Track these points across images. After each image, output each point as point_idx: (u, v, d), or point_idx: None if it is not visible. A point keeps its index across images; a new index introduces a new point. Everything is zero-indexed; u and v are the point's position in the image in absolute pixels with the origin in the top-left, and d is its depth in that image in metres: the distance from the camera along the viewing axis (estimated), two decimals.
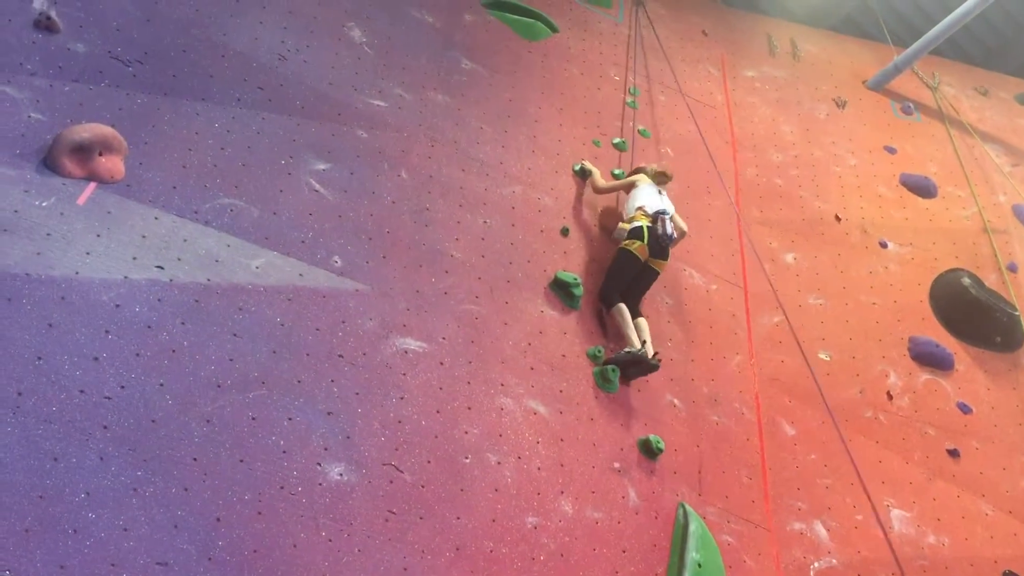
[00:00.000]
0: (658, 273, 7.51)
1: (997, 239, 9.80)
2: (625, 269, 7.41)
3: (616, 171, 8.50)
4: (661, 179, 7.97)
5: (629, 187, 7.93)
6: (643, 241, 7.35)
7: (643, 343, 7.07)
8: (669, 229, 7.40)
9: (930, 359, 8.58)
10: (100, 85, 6.25)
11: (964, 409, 8.35)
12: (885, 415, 8.07)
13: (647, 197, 7.67)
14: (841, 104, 10.83)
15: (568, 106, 8.91)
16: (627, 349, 7.04)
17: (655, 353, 7.13)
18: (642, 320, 7.30)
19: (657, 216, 7.47)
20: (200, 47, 6.94)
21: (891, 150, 10.46)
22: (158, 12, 6.88)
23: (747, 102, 10.39)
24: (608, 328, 7.36)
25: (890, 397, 8.19)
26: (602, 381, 6.97)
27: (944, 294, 9.06)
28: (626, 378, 7.03)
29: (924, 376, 8.48)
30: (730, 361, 7.86)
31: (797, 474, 7.37)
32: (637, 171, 8.12)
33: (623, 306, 7.26)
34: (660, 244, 7.39)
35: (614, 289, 7.38)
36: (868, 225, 9.50)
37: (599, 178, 8.18)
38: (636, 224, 7.47)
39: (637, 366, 6.97)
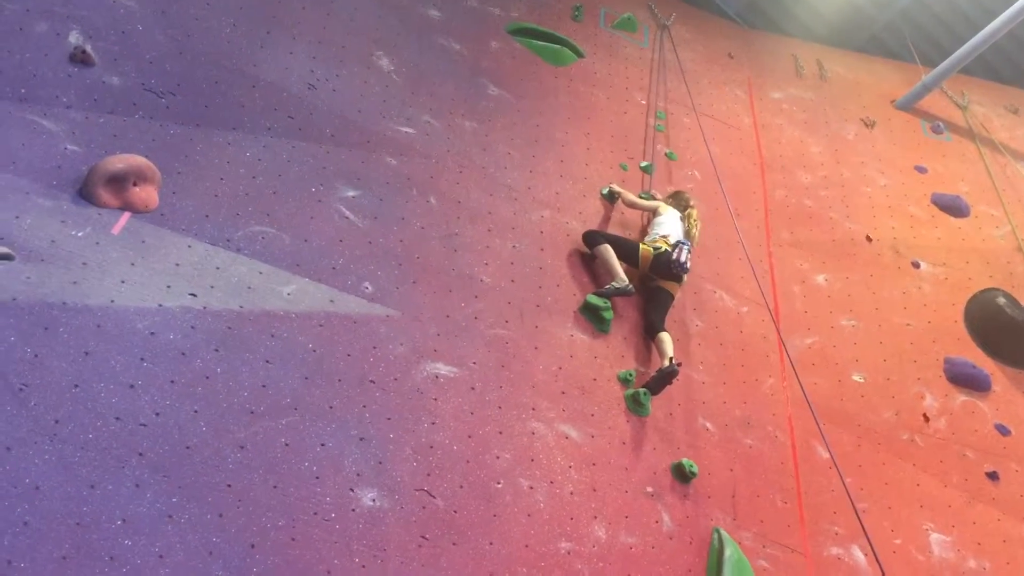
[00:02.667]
0: (672, 296, 7.59)
1: None
2: (623, 245, 7.66)
3: (643, 194, 8.51)
4: (684, 203, 8.19)
5: (655, 211, 8.02)
6: (651, 251, 7.57)
7: (670, 359, 7.06)
8: (684, 257, 7.49)
9: (966, 380, 8.45)
10: (134, 117, 6.35)
11: (1003, 431, 8.21)
12: (922, 437, 7.95)
13: (671, 227, 7.80)
14: (870, 124, 10.77)
15: (595, 130, 8.94)
16: (613, 284, 7.29)
17: (672, 358, 7.08)
18: (665, 335, 7.30)
19: (678, 244, 7.56)
20: (231, 78, 7.04)
21: (922, 169, 10.37)
22: (190, 45, 6.99)
23: (774, 123, 10.37)
24: (597, 268, 7.61)
25: (926, 419, 8.08)
26: (634, 405, 6.93)
27: (979, 314, 8.94)
28: (652, 391, 7.00)
29: (961, 397, 8.35)
30: (762, 384, 7.79)
31: (833, 498, 7.27)
32: (678, 195, 8.33)
33: (608, 246, 7.48)
34: (669, 269, 7.50)
35: (600, 235, 7.65)
36: (900, 245, 9.41)
37: (629, 194, 8.26)
38: (657, 245, 7.61)
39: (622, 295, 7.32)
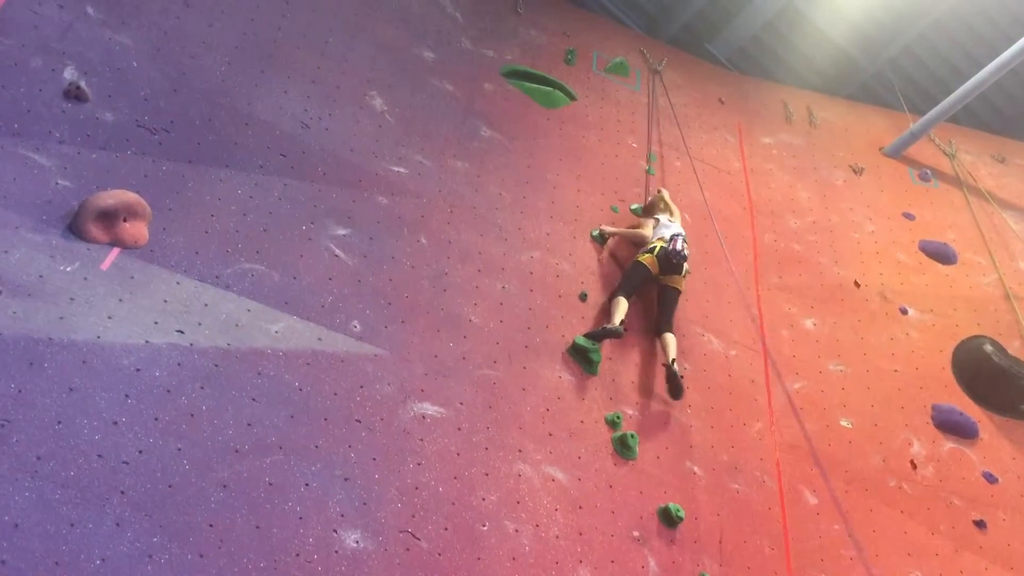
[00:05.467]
0: (678, 291, 7.99)
1: (1019, 306, 9.72)
2: (633, 275, 7.95)
3: (633, 206, 8.94)
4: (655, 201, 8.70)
5: (642, 233, 8.40)
6: (653, 255, 7.90)
7: (672, 361, 7.46)
8: (680, 246, 7.88)
9: (954, 427, 8.45)
10: (127, 153, 6.38)
11: (990, 479, 8.20)
12: (909, 484, 7.93)
13: (664, 229, 8.21)
14: (858, 171, 10.87)
15: (586, 172, 9.00)
16: (605, 325, 7.44)
17: (674, 360, 7.47)
18: (670, 336, 7.68)
19: (673, 237, 7.96)
20: (225, 116, 7.08)
21: (909, 216, 10.45)
22: (185, 82, 7.04)
23: (764, 168, 10.45)
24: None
25: (914, 466, 8.06)
26: (621, 447, 6.91)
27: (966, 361, 8.96)
28: (674, 395, 7.41)
29: (948, 444, 8.35)
30: (750, 428, 7.78)
31: (820, 545, 7.23)
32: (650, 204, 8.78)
33: (623, 299, 7.69)
34: (671, 260, 7.84)
35: (621, 289, 7.84)
36: (888, 291, 9.45)
37: (624, 229, 8.49)
38: (652, 245, 8.04)
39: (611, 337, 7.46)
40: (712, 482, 7.20)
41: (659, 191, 8.85)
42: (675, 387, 7.39)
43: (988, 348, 9.01)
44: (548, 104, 9.53)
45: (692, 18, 11.78)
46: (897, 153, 11.29)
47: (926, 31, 11.93)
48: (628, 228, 8.55)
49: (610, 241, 8.40)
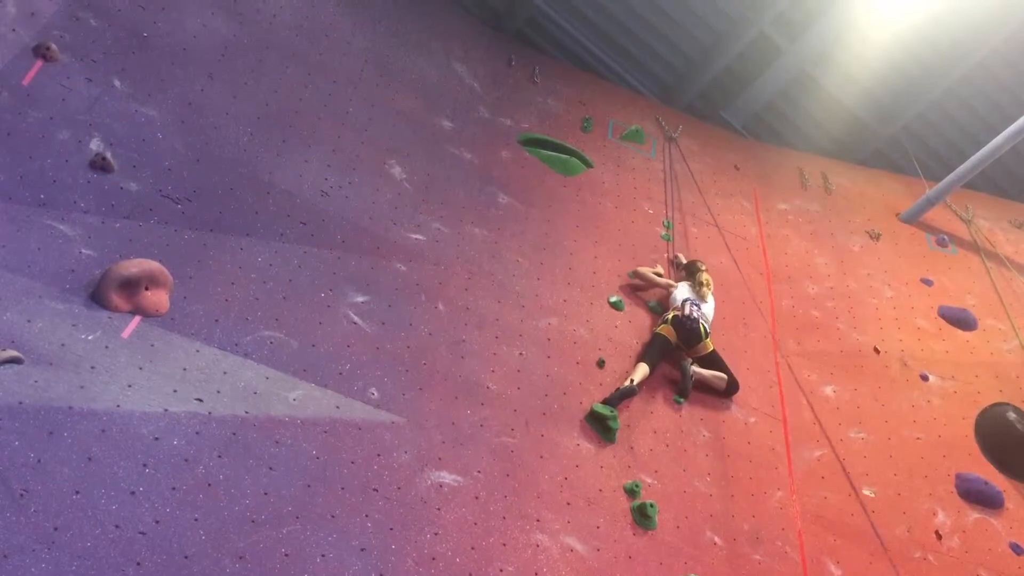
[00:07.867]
0: (713, 351, 8.20)
1: None
2: (654, 344, 8.06)
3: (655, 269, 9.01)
4: (694, 271, 8.78)
5: (669, 287, 8.62)
6: (668, 323, 8.14)
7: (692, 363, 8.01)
8: (688, 310, 8.16)
9: (979, 497, 8.30)
10: (150, 222, 6.47)
11: (1017, 550, 8.02)
12: (935, 556, 7.77)
13: (681, 296, 8.39)
14: (875, 236, 10.87)
15: (603, 239, 9.04)
16: (619, 387, 7.54)
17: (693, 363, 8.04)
18: (720, 375, 8.10)
19: (683, 303, 8.23)
20: (247, 185, 7.18)
21: (928, 282, 10.42)
22: (208, 152, 7.16)
23: (780, 234, 10.47)
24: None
25: (939, 536, 7.91)
26: (640, 517, 6.82)
27: (990, 429, 8.84)
28: (682, 393, 7.94)
29: (974, 515, 8.19)
30: (771, 497, 7.67)
31: None
32: (690, 265, 8.94)
33: (645, 365, 7.77)
34: (685, 326, 8.07)
35: (645, 356, 7.92)
36: (908, 357, 9.37)
37: (647, 271, 8.75)
38: (666, 317, 8.27)
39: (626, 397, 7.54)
40: (733, 552, 7.09)
41: (703, 272, 8.69)
42: (684, 387, 7.88)
43: (1011, 415, 8.89)
44: (565, 171, 9.62)
45: (707, 86, 11.92)
46: (914, 219, 11.30)
47: (939, 98, 12.01)
48: (660, 278, 8.73)
49: (638, 284, 8.73)
